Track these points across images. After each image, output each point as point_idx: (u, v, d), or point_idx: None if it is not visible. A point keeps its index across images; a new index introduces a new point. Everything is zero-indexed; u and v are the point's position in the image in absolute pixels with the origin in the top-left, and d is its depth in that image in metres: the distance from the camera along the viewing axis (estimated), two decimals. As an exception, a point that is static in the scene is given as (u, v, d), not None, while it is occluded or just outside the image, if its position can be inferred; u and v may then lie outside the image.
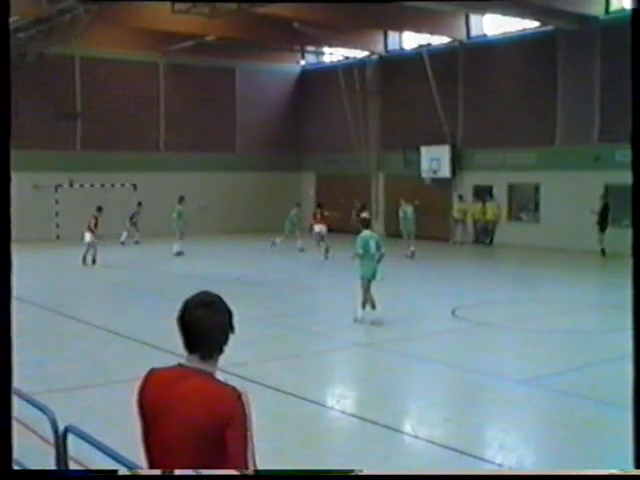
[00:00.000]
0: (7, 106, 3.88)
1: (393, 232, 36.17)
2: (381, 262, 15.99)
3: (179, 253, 28.63)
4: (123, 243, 31.81)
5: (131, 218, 32.72)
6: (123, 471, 4.87)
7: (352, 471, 3.62)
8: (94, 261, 25.62)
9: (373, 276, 15.83)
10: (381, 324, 15.67)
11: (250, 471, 3.45)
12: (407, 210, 29.45)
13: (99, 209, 26.97)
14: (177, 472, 3.55)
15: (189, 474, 3.64)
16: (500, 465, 8.21)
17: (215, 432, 3.44)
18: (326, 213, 29.35)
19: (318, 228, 28.34)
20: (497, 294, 20.82)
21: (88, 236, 25.59)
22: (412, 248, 27.88)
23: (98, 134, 35.60)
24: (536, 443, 9.35)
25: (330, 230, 29.20)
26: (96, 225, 25.70)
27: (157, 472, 3.64)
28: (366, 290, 15.83)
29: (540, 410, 10.57)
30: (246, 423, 3.46)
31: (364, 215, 24.82)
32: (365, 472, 3.62)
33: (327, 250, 27.32)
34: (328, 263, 26.77)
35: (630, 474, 3.66)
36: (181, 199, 29.73)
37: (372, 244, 15.87)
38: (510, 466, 8.10)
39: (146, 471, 3.75)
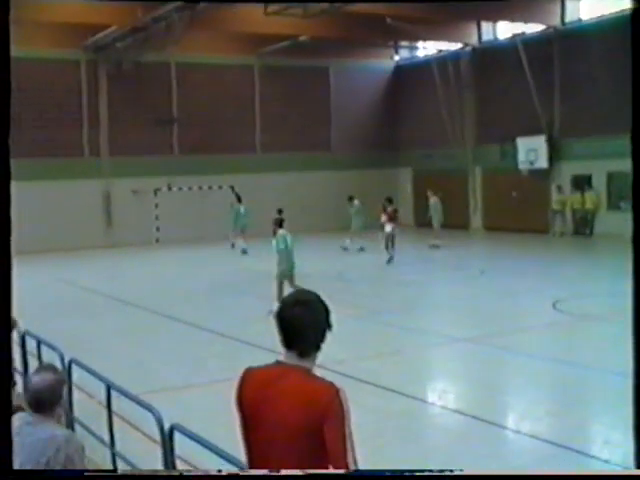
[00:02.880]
0: (7, 106, 3.95)
1: (492, 226, 35.84)
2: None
3: (244, 251, 28.93)
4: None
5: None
6: (227, 468, 4.95)
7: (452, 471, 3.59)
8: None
9: (289, 273, 16.59)
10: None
11: (351, 468, 3.48)
12: (433, 202, 29.87)
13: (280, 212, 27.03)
14: (283, 471, 3.59)
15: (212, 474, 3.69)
16: (607, 461, 8.06)
17: (314, 429, 3.49)
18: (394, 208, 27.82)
19: (389, 228, 25.82)
20: (599, 286, 20.31)
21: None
22: (438, 241, 28.30)
23: (195, 138, 36.18)
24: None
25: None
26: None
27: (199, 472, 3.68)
28: (280, 285, 16.53)
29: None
30: (345, 419, 3.50)
31: (390, 209, 25.69)
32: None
33: (391, 258, 25.29)
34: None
35: (630, 474, 3.58)
36: (239, 198, 31.06)
37: (289, 241, 16.63)
38: (617, 462, 7.94)
39: (148, 471, 3.81)
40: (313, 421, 3.49)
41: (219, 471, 3.87)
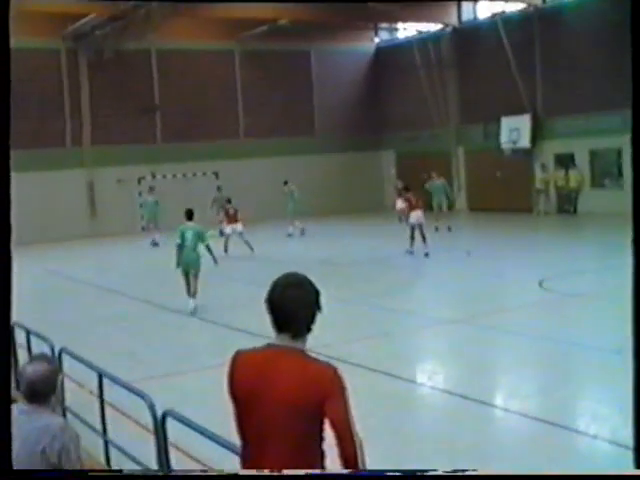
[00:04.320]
0: (7, 106, 3.95)
1: (476, 206, 35.93)
2: (210, 251, 15.86)
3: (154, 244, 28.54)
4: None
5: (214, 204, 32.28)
6: (221, 453, 4.98)
7: (435, 470, 3.64)
8: (251, 248, 24.86)
9: (191, 266, 15.72)
10: (195, 313, 15.56)
11: (357, 440, 3.53)
12: (438, 183, 29.44)
13: (229, 201, 27.01)
14: (284, 471, 3.60)
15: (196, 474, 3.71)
16: (595, 436, 8.15)
17: (314, 408, 3.54)
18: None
19: (414, 218, 22.47)
20: (584, 264, 20.42)
21: (230, 228, 25.47)
22: (438, 223, 27.65)
23: (177, 125, 36.10)
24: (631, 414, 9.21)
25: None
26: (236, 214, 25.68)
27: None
28: (186, 279, 15.81)
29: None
30: (345, 394, 3.56)
31: (408, 195, 23.50)
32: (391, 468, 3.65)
33: (427, 254, 22.12)
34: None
35: (630, 474, 3.63)
36: (150, 189, 30.68)
37: (189, 235, 15.72)
38: (604, 437, 8.03)
39: (149, 471, 3.83)
40: (314, 400, 3.53)
41: (220, 471, 3.88)
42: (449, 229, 27.73)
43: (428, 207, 27.97)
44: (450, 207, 30.55)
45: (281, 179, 32.21)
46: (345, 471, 3.54)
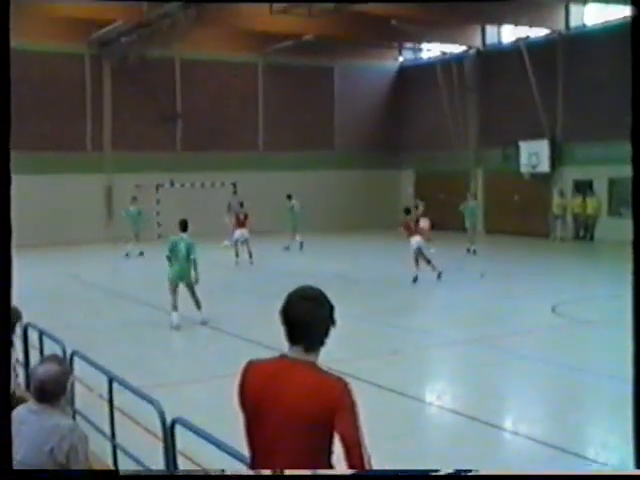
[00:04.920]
0: (7, 106, 3.97)
1: (493, 229, 35.81)
2: (195, 267, 15.28)
3: (127, 254, 27.92)
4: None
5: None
6: (229, 462, 4.98)
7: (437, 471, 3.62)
8: (250, 255, 25.48)
9: (181, 279, 15.35)
10: (207, 323, 15.34)
11: (365, 455, 3.52)
12: (472, 205, 29.08)
13: (241, 205, 27.52)
14: (286, 471, 3.60)
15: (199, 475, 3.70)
16: (604, 464, 8.10)
17: (324, 420, 3.53)
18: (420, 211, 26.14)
19: (414, 242, 21.48)
20: (598, 291, 20.35)
21: (239, 232, 25.88)
22: (474, 246, 27.47)
23: (198, 135, 36.23)
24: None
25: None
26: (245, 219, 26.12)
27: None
28: (174, 293, 15.27)
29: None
30: (355, 408, 3.56)
31: (406, 220, 22.11)
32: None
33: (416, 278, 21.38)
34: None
35: (630, 474, 3.61)
36: (133, 199, 29.42)
37: (181, 247, 15.27)
38: (614, 465, 7.98)
39: (150, 472, 3.84)
40: (324, 413, 3.52)
41: (222, 471, 3.89)
42: (474, 252, 27.54)
43: (462, 228, 27.99)
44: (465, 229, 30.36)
45: (299, 193, 32.33)
46: (348, 472, 3.53)
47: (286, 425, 3.60)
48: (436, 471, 3.62)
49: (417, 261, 21.47)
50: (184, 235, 15.47)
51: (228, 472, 3.80)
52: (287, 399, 3.60)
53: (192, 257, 15.26)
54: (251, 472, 3.79)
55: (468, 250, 27.52)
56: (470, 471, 3.58)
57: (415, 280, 21.15)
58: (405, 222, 22.33)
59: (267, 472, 3.63)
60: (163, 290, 15.58)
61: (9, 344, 4.15)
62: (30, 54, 29.75)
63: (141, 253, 27.99)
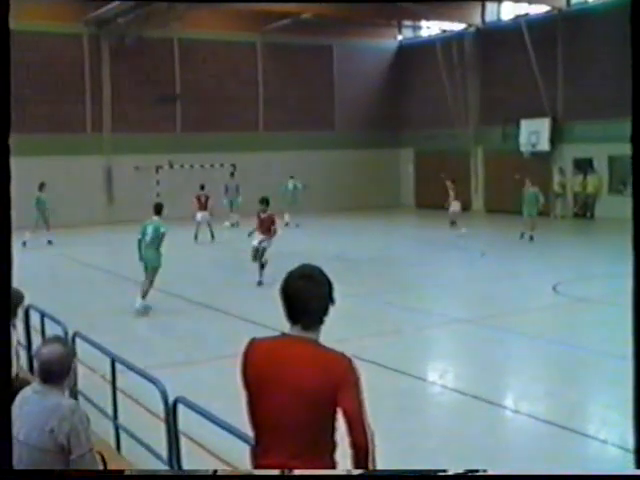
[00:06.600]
0: (7, 106, 3.96)
1: (493, 208, 35.79)
2: (160, 248, 15.20)
3: (25, 243, 24.08)
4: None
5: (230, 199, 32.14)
6: (232, 441, 5.00)
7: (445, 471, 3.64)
8: (212, 236, 26.74)
9: (148, 262, 15.13)
10: (147, 313, 15.00)
11: (368, 431, 3.53)
12: (530, 191, 26.92)
13: (202, 187, 27.98)
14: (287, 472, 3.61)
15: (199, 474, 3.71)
16: (604, 441, 8.14)
17: (327, 395, 3.55)
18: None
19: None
20: (599, 269, 20.34)
21: (200, 215, 26.86)
22: (531, 233, 25.80)
23: (197, 115, 36.10)
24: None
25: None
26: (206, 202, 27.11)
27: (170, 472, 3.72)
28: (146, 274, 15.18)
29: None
30: (359, 385, 3.58)
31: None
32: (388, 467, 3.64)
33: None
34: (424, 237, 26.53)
35: (630, 474, 3.63)
36: (41, 186, 26.70)
37: (149, 230, 15.07)
38: (614, 442, 8.01)
39: (150, 471, 3.85)
40: (328, 388, 3.54)
41: (220, 471, 3.91)
42: (531, 238, 25.81)
43: (520, 213, 27.01)
44: (465, 209, 30.29)
45: (299, 173, 32.34)
46: (355, 472, 3.55)
47: (290, 401, 3.61)
48: (444, 471, 3.64)
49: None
50: (155, 218, 15.29)
51: (225, 468, 3.81)
52: (290, 375, 3.62)
53: (158, 240, 15.00)
54: (254, 471, 3.79)
55: (522, 235, 25.91)
56: (477, 471, 3.60)
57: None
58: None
59: (267, 473, 3.65)
60: (160, 272, 15.57)
61: (9, 339, 4.15)
62: (27, 34, 29.56)
63: (49, 242, 26.23)
